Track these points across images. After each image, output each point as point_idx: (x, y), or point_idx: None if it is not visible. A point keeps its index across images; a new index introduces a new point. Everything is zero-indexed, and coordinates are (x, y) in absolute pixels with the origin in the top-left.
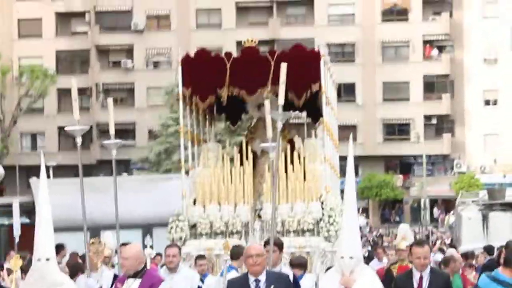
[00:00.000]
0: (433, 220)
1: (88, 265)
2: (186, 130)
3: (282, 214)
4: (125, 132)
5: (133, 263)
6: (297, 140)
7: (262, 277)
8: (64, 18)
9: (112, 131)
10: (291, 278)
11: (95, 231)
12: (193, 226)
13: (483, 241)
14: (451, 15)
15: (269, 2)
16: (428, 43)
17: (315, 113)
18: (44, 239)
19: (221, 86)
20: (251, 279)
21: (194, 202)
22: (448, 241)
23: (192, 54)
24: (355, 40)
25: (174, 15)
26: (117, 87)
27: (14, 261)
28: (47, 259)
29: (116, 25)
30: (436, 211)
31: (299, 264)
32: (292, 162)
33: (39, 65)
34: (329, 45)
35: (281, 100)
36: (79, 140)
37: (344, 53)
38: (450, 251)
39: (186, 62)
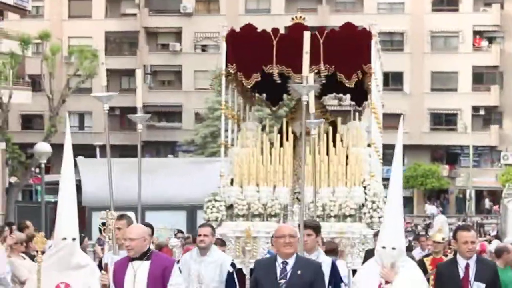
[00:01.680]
0: (479, 211)
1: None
2: (227, 107)
3: (323, 198)
4: (172, 114)
5: (140, 244)
6: (340, 122)
7: (291, 260)
8: (114, 0)
9: (139, 103)
10: (328, 265)
11: (140, 211)
12: (229, 207)
13: None
14: (502, 7)
15: None
16: (478, 34)
17: (360, 96)
18: (70, 218)
19: (267, 64)
20: (279, 260)
21: (232, 183)
22: (493, 233)
23: (237, 29)
24: (404, 29)
25: None
26: (164, 69)
27: (38, 241)
28: (73, 239)
29: (165, 8)
30: (487, 202)
31: (329, 250)
32: (334, 145)
33: (88, 45)
34: (378, 34)
35: (305, 71)
36: (106, 106)
37: (392, 41)
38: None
39: (231, 37)
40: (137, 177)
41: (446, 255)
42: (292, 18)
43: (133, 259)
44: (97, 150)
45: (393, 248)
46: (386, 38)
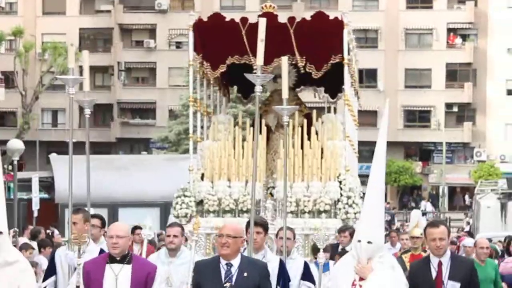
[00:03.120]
0: (452, 207)
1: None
2: (195, 98)
3: (297, 193)
4: (146, 111)
5: (126, 243)
6: (315, 115)
7: (236, 262)
8: None
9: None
10: (275, 264)
11: (113, 208)
12: (199, 203)
13: (501, 230)
14: (475, 4)
15: None
16: (451, 31)
17: (334, 89)
18: None
19: (234, 54)
20: (223, 262)
21: (202, 177)
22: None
23: (205, 18)
24: (379, 26)
25: None
26: (139, 66)
27: None
28: (0, 232)
29: (139, 5)
30: (467, 198)
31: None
32: (309, 138)
33: (62, 42)
34: (353, 31)
35: (259, 60)
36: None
37: (367, 39)
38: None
39: (199, 26)
40: (110, 174)
41: (425, 251)
42: (262, 8)
43: (112, 261)
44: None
45: (369, 242)
46: (361, 35)
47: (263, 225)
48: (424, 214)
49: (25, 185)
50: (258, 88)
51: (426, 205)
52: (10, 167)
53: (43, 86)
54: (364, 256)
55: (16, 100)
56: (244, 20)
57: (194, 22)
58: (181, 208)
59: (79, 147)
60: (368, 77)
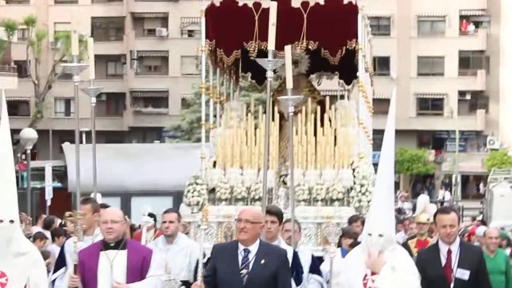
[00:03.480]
0: (465, 196)
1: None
2: (208, 86)
3: (310, 181)
4: (158, 99)
5: (121, 227)
6: (328, 101)
7: (254, 248)
8: None
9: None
10: (289, 255)
11: (126, 197)
12: (211, 191)
13: None
14: None
15: None
16: (464, 18)
17: (349, 75)
18: (6, 198)
19: (248, 40)
20: (241, 247)
21: (214, 165)
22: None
23: (218, 4)
24: (391, 13)
25: None
26: (151, 55)
27: None
28: (11, 221)
29: None
30: (481, 187)
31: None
32: (322, 125)
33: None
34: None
35: (271, 45)
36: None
37: (379, 26)
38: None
39: (211, 12)
40: (123, 163)
41: (432, 237)
42: None
43: (106, 248)
44: (83, 136)
45: (380, 235)
46: (373, 22)
47: (278, 214)
48: (442, 203)
49: (39, 174)
50: (269, 74)
51: (444, 194)
52: (23, 156)
53: (55, 75)
54: (375, 249)
55: (29, 89)
56: (257, 5)
57: (206, 8)
58: (193, 196)
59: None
60: (380, 65)
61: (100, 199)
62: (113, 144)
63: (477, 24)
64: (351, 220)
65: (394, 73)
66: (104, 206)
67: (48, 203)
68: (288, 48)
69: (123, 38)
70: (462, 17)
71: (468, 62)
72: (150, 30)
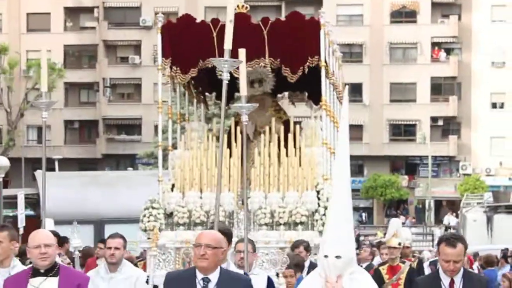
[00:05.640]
0: (438, 221)
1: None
2: (168, 106)
3: (272, 204)
4: (131, 127)
5: (54, 252)
6: (292, 121)
7: (214, 277)
8: (73, 13)
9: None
10: (263, 281)
11: (99, 224)
12: (169, 215)
13: (487, 243)
14: (459, 18)
15: (278, 1)
16: (436, 45)
17: (318, 94)
18: None
19: (205, 57)
20: (199, 276)
21: (172, 188)
22: None
23: (175, 20)
24: (363, 40)
25: (183, 12)
26: (124, 82)
27: None
28: None
29: (124, 21)
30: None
31: (295, 264)
32: (286, 145)
33: (47, 59)
34: (337, 45)
35: (227, 44)
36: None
37: (352, 53)
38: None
39: (168, 29)
40: (96, 191)
41: (404, 262)
42: (235, 8)
43: (35, 274)
44: (56, 163)
45: (338, 257)
46: (346, 49)
47: (227, 234)
48: (447, 228)
49: (11, 202)
50: (225, 75)
51: (449, 218)
52: None
53: (28, 103)
54: (333, 273)
55: (1, 117)
56: (215, 21)
57: (162, 24)
58: (149, 221)
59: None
60: (353, 91)
61: (52, 226)
62: (87, 172)
63: (449, 51)
64: (294, 246)
65: (366, 100)
66: (54, 233)
67: (21, 231)
68: (242, 51)
69: (96, 66)
70: (433, 44)
71: (440, 88)
72: (123, 57)
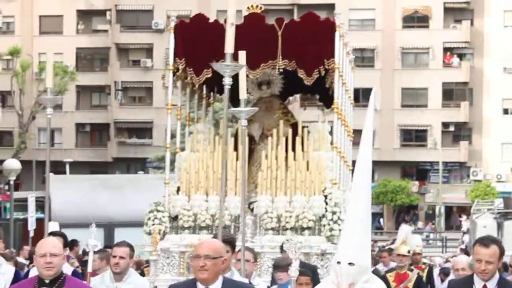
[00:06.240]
0: (448, 227)
1: None
2: (177, 108)
3: (278, 208)
4: (143, 130)
5: (61, 262)
6: (300, 125)
7: (216, 287)
8: (85, 16)
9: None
10: None
11: (109, 228)
12: (174, 218)
13: None
14: (472, 24)
15: (290, 6)
16: (448, 50)
17: (329, 97)
18: None
19: (219, 58)
20: (200, 287)
21: (178, 191)
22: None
23: (187, 20)
24: (375, 45)
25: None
26: (135, 85)
27: None
28: None
29: (136, 24)
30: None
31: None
32: (293, 149)
33: (59, 62)
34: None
35: (229, 47)
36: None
37: (363, 58)
38: None
39: (180, 29)
40: (107, 194)
41: (412, 270)
42: (248, 8)
43: (41, 285)
44: (67, 166)
45: (351, 264)
46: (357, 54)
47: (231, 242)
48: (464, 233)
49: (22, 204)
50: (227, 80)
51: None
52: (6, 187)
53: (40, 105)
54: (345, 280)
55: (13, 119)
56: None
57: (175, 24)
58: (153, 224)
59: (76, 167)
60: (364, 96)
61: (57, 228)
62: (97, 175)
63: (461, 56)
64: (282, 248)
65: (378, 105)
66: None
67: (31, 234)
68: (242, 53)
69: (108, 69)
70: (445, 49)
71: (452, 93)
72: (135, 61)
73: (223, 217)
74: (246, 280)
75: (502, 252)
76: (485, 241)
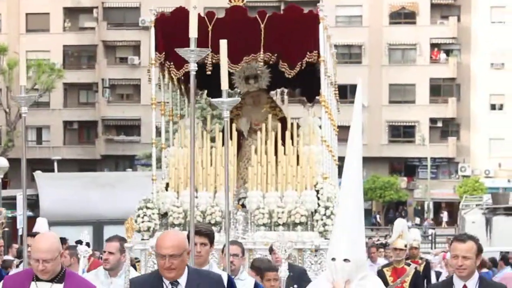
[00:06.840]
0: (437, 223)
1: None
2: (161, 104)
3: (270, 204)
4: (131, 128)
5: (57, 263)
6: (290, 118)
7: (182, 279)
8: (72, 13)
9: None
10: (224, 280)
11: (98, 225)
12: (164, 215)
13: (486, 245)
14: (458, 19)
15: (277, 2)
16: (435, 46)
17: (312, 91)
18: None
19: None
20: (166, 280)
21: (167, 188)
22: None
23: (168, 14)
24: (362, 41)
25: None
26: (123, 83)
27: None
28: None
29: (123, 22)
30: (446, 215)
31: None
32: (283, 143)
33: (46, 59)
34: (336, 46)
35: (193, 32)
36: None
37: (351, 54)
38: None
39: (161, 22)
40: (95, 192)
41: (409, 265)
42: (230, 1)
43: (37, 279)
44: (55, 164)
45: (346, 260)
46: (345, 50)
47: (209, 235)
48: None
49: (10, 202)
50: (192, 66)
51: None
52: None
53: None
54: (341, 277)
55: (0, 117)
56: (210, 14)
57: (155, 18)
58: (143, 221)
59: (64, 164)
60: (352, 92)
61: (45, 224)
62: (86, 173)
63: (448, 52)
64: (271, 249)
65: (365, 101)
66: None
67: (20, 232)
68: (224, 42)
69: (95, 66)
70: (433, 45)
71: (439, 89)
72: (122, 58)
73: (194, 211)
74: (224, 273)
75: (479, 249)
76: (462, 237)
